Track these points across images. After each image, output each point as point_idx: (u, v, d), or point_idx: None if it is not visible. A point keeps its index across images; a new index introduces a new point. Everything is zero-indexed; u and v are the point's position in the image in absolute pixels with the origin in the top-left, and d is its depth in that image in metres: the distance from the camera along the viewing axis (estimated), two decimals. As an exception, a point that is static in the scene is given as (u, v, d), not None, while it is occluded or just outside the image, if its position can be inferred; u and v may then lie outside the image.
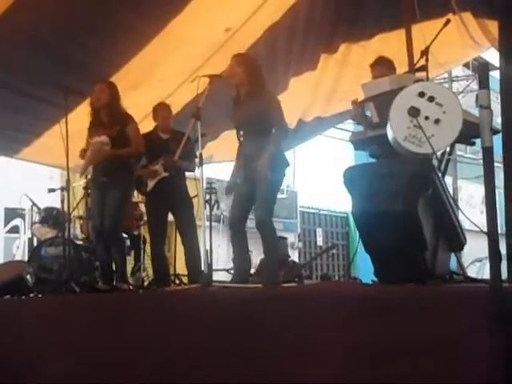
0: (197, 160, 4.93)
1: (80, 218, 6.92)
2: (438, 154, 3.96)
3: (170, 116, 6.24)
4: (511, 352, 2.59)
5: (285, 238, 9.74)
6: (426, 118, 3.59)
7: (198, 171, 4.98)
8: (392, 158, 4.22)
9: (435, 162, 4.23)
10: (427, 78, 5.03)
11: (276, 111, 4.86)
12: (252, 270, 5.36)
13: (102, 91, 5.50)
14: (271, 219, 4.83)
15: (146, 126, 6.29)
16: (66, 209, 5.55)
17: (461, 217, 3.94)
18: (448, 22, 5.40)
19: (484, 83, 2.83)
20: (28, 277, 5.41)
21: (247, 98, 4.88)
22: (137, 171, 5.82)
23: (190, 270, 5.87)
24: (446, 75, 13.79)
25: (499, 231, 2.84)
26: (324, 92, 7.64)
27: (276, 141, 4.79)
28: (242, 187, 4.89)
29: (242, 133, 4.90)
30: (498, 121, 4.16)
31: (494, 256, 2.73)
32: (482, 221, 3.07)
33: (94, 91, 5.51)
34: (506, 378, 2.56)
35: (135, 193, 6.36)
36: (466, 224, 4.08)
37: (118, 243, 5.71)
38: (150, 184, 5.98)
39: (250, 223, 4.83)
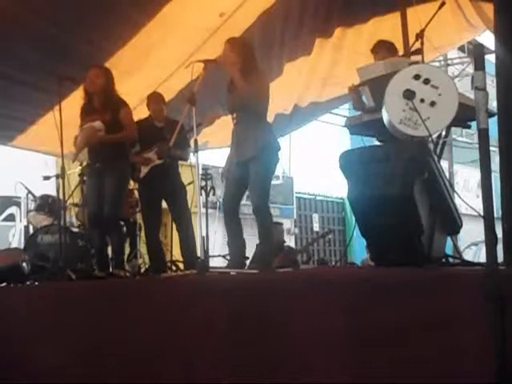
0: (192, 147, 4.90)
1: (75, 205, 6.90)
2: (434, 136, 3.94)
3: (162, 107, 6.22)
4: (507, 334, 2.59)
5: (280, 224, 9.72)
6: (422, 100, 3.57)
7: (193, 157, 4.97)
8: (388, 141, 4.21)
9: (431, 145, 4.22)
10: (422, 62, 5.01)
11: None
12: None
13: (97, 76, 5.44)
14: (268, 204, 4.89)
15: (141, 111, 6.26)
16: (61, 196, 5.53)
17: (457, 201, 3.93)
18: (443, 4, 5.39)
19: (479, 65, 2.79)
20: (24, 264, 5.40)
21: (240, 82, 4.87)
22: (130, 158, 5.79)
23: (186, 257, 5.86)
24: (441, 58, 13.71)
25: (495, 215, 2.84)
26: (319, 77, 7.62)
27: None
28: (234, 172, 4.90)
29: (235, 116, 4.95)
30: (493, 104, 4.15)
31: (491, 238, 2.73)
32: (478, 205, 3.05)
33: (88, 76, 5.46)
34: (501, 360, 2.57)
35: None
36: (462, 208, 4.07)
37: (117, 229, 5.70)
38: (144, 171, 5.96)
39: (247, 210, 4.83)
